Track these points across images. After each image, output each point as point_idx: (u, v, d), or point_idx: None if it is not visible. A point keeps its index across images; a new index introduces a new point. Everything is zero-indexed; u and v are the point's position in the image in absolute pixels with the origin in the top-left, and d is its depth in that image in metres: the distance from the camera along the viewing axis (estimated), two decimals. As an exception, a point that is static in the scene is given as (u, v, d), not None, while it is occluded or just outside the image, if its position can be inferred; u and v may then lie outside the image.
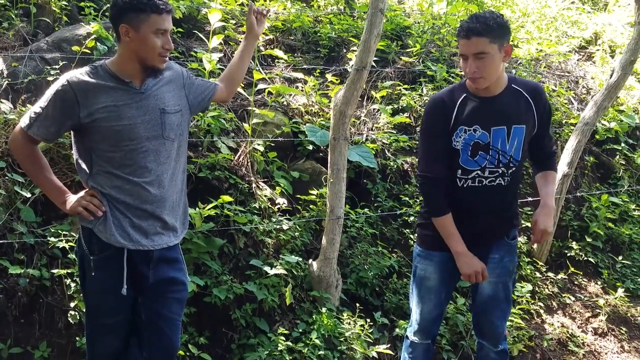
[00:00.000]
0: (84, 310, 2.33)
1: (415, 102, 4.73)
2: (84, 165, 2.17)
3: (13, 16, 4.21)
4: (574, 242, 4.69)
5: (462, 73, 2.87)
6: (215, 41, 3.94)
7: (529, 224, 4.43)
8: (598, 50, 6.43)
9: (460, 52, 2.31)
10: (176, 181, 2.25)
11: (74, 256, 2.96)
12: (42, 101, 2.10)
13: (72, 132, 2.17)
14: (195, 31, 4.58)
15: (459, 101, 2.37)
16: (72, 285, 2.91)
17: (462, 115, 2.36)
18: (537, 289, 4.23)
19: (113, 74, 2.12)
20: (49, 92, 2.09)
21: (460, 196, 2.42)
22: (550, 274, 4.41)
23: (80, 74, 2.10)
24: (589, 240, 4.72)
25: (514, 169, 2.41)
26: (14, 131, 2.17)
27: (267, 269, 3.34)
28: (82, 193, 2.18)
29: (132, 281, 2.18)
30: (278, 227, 3.59)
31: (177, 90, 2.27)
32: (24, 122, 2.12)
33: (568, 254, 4.63)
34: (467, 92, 2.40)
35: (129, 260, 2.16)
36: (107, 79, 2.10)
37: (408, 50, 5.33)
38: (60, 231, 3.02)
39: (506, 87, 2.39)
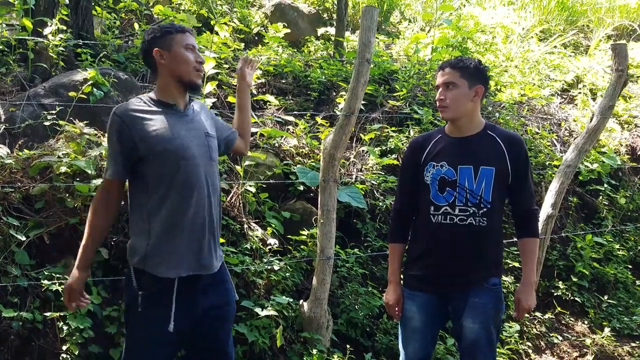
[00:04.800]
0: (125, 347, 2.27)
1: (402, 144, 4.85)
2: (141, 199, 2.20)
3: (11, 61, 4.33)
4: (560, 282, 4.76)
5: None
6: (209, 87, 4.06)
7: (515, 264, 4.53)
8: (580, 93, 6.64)
9: (436, 84, 2.57)
10: (219, 202, 2.34)
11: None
12: (107, 146, 2.22)
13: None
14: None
15: (433, 141, 2.60)
16: (65, 328, 2.93)
17: (432, 152, 2.57)
18: (525, 328, 4.28)
19: (158, 100, 2.25)
20: (107, 134, 2.21)
21: (435, 233, 2.52)
22: (538, 314, 4.46)
23: (126, 104, 2.23)
24: (574, 279, 4.80)
25: (485, 210, 2.47)
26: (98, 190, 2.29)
27: (258, 310, 3.37)
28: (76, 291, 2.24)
29: (183, 311, 2.18)
30: (269, 267, 3.65)
31: (209, 120, 2.41)
32: (105, 177, 2.23)
33: (555, 294, 4.69)
34: (442, 134, 2.61)
35: (179, 291, 2.17)
36: (153, 106, 2.23)
37: (395, 94, 5.49)
38: (53, 274, 3.05)
39: (480, 131, 2.55)
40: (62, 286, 2.99)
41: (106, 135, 2.23)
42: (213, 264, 2.27)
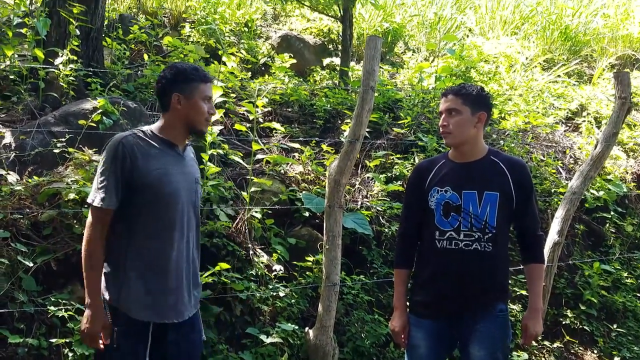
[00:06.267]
0: None
1: (407, 171, 4.88)
2: (121, 229, 2.15)
3: (22, 91, 4.42)
4: (568, 310, 4.71)
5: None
6: (216, 115, 4.12)
7: (523, 292, 4.49)
8: (584, 121, 6.67)
9: (439, 110, 2.61)
10: (197, 249, 2.33)
11: (72, 325, 2.99)
12: (102, 173, 2.12)
13: None
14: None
15: (437, 166, 2.62)
16: (70, 354, 2.93)
17: (437, 177, 2.58)
18: (533, 357, 4.22)
19: (161, 138, 2.22)
20: (107, 161, 2.12)
21: (440, 258, 2.52)
22: (546, 343, 4.41)
23: (131, 136, 2.18)
24: (583, 308, 4.75)
25: (490, 235, 2.47)
26: (88, 223, 2.12)
27: (263, 337, 3.36)
28: (98, 322, 2.12)
29: (154, 348, 2.16)
30: (274, 294, 3.64)
31: (196, 165, 2.40)
32: (95, 201, 2.10)
33: (563, 322, 4.64)
34: (446, 159, 2.63)
35: (153, 333, 2.15)
36: (157, 142, 2.20)
37: (400, 121, 5.54)
38: (60, 300, 3.06)
39: (484, 157, 2.57)
40: (69, 312, 2.99)
41: (106, 163, 2.13)
42: (187, 311, 2.24)
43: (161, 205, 2.15)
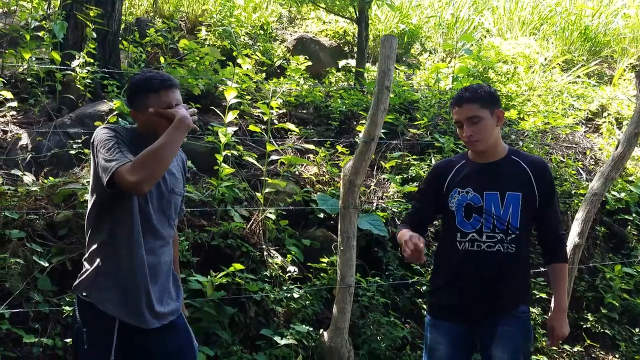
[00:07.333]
0: None
1: (424, 172, 4.82)
2: (103, 224, 2.11)
3: (39, 93, 4.46)
4: (589, 314, 4.62)
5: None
6: (230, 116, 4.12)
7: (543, 295, 4.41)
8: (605, 122, 6.56)
9: (455, 120, 2.50)
10: (170, 259, 2.24)
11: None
12: (107, 147, 2.01)
13: (95, 196, 2.12)
14: (213, 107, 4.77)
15: (457, 166, 2.55)
16: (84, 354, 2.92)
17: (457, 178, 2.52)
18: (553, 361, 4.14)
19: (139, 141, 2.09)
20: (108, 138, 2.03)
21: (461, 260, 2.46)
22: (567, 347, 4.32)
23: (120, 126, 2.13)
24: (604, 311, 4.65)
25: (513, 236, 2.42)
26: (125, 182, 1.91)
27: (277, 338, 3.33)
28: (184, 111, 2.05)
29: (130, 355, 2.11)
30: (289, 295, 3.61)
31: (181, 174, 2.29)
32: (116, 166, 1.94)
33: (584, 326, 4.54)
34: (465, 159, 2.57)
35: (123, 332, 2.08)
36: (135, 143, 2.08)
37: (416, 122, 5.49)
38: (74, 300, 3.06)
39: (504, 157, 2.51)
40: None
41: (104, 140, 2.02)
42: (152, 320, 2.13)
43: (128, 210, 2.07)
